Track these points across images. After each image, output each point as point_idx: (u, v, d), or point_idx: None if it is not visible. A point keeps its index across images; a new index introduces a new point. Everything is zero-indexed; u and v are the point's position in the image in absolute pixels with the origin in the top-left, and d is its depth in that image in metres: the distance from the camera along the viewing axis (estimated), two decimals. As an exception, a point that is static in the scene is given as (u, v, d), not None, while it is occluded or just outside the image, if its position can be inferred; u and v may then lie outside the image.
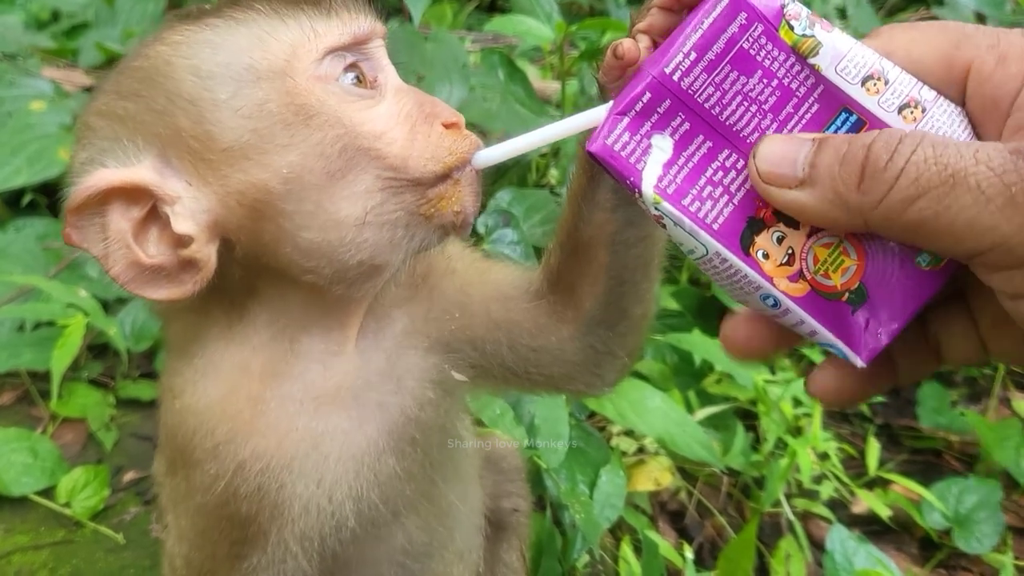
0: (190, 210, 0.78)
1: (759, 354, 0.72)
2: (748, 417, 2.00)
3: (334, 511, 0.89)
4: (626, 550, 1.63)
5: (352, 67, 0.81)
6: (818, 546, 1.80)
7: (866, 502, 1.88)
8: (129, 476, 1.83)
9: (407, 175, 0.80)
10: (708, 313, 2.10)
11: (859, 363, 0.66)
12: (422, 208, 0.81)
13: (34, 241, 2.22)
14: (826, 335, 0.66)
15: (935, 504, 1.82)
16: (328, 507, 0.89)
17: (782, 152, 0.63)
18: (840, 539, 1.68)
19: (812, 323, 0.66)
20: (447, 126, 0.82)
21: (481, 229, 1.86)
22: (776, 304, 0.67)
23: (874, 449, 1.97)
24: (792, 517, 1.80)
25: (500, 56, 2.28)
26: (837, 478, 1.91)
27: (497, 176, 2.03)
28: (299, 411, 0.88)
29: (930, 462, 2.09)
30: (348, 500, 0.89)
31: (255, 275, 0.85)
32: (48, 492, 1.74)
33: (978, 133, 0.63)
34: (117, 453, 1.89)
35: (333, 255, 0.80)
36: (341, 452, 0.89)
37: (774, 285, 0.66)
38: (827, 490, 1.88)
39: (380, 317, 0.95)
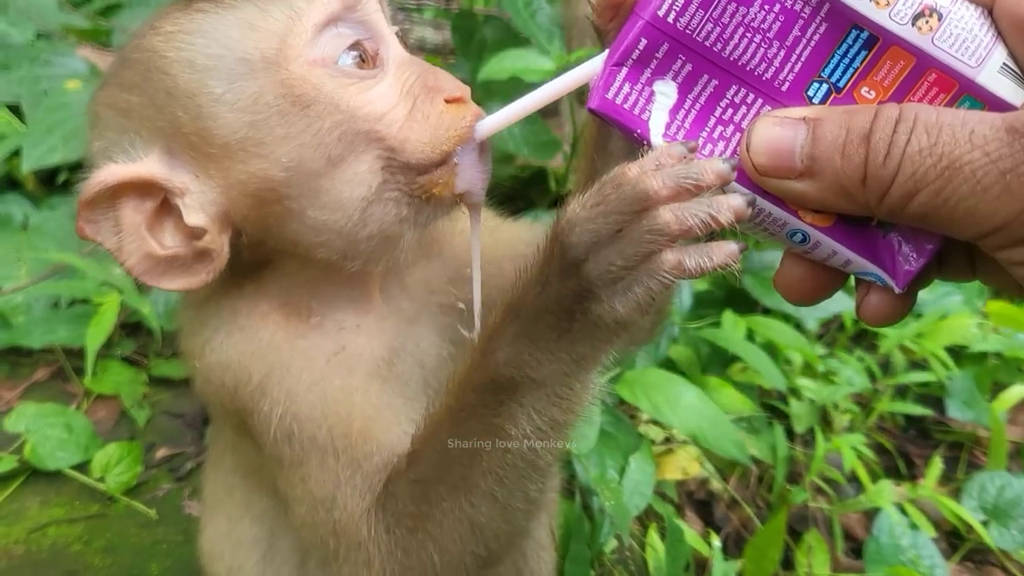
0: (199, 202, 0.78)
1: (812, 295, 0.69)
2: (777, 413, 2.00)
3: None
4: (653, 537, 1.62)
5: (355, 46, 0.79)
6: (850, 538, 1.80)
7: (894, 495, 1.86)
8: (161, 453, 1.86)
9: (403, 158, 0.78)
10: (739, 298, 2.09)
11: (896, 289, 0.64)
12: (416, 192, 0.80)
13: (69, 219, 2.23)
14: (861, 263, 0.64)
15: (965, 499, 1.80)
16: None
17: (777, 141, 0.60)
18: (888, 524, 1.67)
19: (845, 252, 0.64)
20: (450, 101, 0.80)
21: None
22: (805, 239, 0.64)
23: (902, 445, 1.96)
24: (825, 506, 1.80)
25: None
26: (868, 469, 1.90)
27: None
28: (341, 337, 0.87)
29: (958, 457, 2.07)
30: None
31: (265, 253, 0.86)
32: (82, 467, 1.76)
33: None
34: (149, 430, 1.91)
35: (342, 230, 0.80)
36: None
37: (800, 219, 0.63)
38: (855, 481, 1.87)
39: (398, 279, 0.95)
